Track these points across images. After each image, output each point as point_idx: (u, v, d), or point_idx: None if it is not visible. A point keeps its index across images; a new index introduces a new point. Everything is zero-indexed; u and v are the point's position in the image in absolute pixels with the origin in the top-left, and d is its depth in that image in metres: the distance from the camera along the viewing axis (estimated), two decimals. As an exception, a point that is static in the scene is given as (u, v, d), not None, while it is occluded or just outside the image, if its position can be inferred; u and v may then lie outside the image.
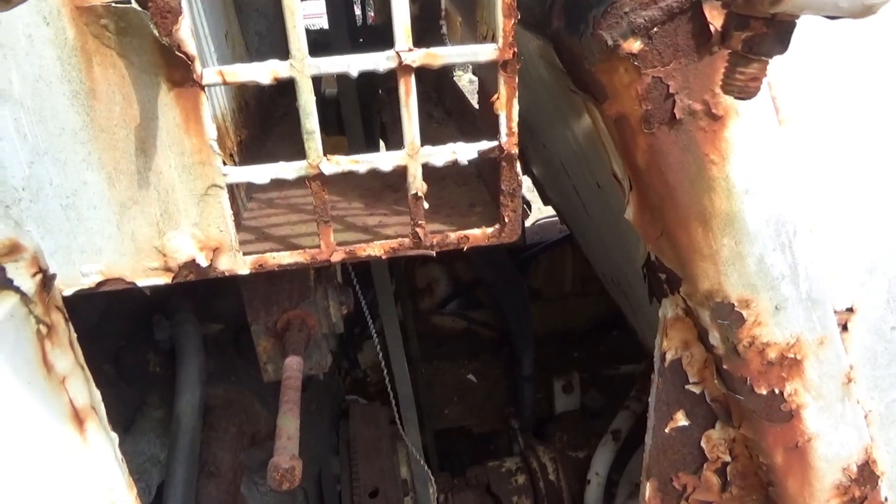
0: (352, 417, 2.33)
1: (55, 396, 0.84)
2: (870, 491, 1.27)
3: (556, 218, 2.91)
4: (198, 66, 0.86)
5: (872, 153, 1.12)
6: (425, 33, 2.47)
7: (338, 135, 2.09)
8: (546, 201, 2.64)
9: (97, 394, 0.91)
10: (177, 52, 0.83)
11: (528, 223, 3.30)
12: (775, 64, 0.88)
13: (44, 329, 0.80)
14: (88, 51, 0.84)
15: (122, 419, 1.84)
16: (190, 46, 0.84)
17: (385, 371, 2.12)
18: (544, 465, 2.51)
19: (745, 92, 0.73)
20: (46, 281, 0.81)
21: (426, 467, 2.23)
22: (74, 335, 0.88)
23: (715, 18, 0.86)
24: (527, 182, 2.60)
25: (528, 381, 2.93)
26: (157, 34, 0.82)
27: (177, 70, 0.86)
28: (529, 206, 3.10)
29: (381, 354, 2.10)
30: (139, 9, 0.81)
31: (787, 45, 0.69)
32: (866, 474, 1.26)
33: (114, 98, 0.87)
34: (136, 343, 1.93)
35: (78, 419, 0.86)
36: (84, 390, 0.87)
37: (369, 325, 2.05)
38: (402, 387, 2.29)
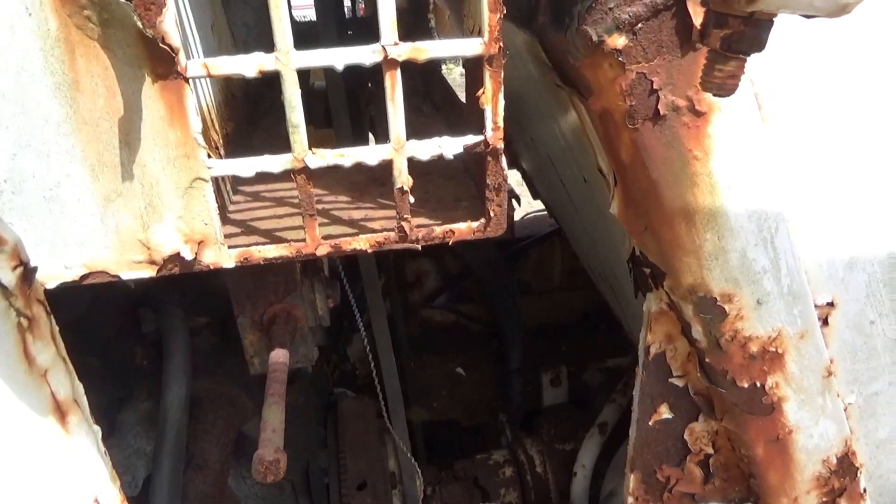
0: (340, 410, 2.33)
1: (36, 389, 0.83)
2: (849, 482, 1.29)
3: (546, 212, 2.91)
4: (182, 58, 0.85)
5: (853, 150, 1.13)
6: (414, 27, 2.46)
7: (326, 128, 2.08)
8: (535, 195, 2.65)
9: (80, 387, 0.91)
10: (161, 45, 0.83)
11: (517, 217, 3.30)
12: (758, 61, 0.89)
13: (25, 322, 0.80)
14: (72, 42, 0.84)
15: (109, 412, 1.83)
16: (174, 38, 0.83)
17: (372, 364, 2.13)
18: (532, 457, 2.52)
19: (724, 89, 0.73)
20: (27, 274, 0.81)
21: (413, 460, 2.24)
22: (56, 328, 0.87)
23: (697, 16, 0.87)
24: (517, 176, 2.61)
25: (517, 374, 2.94)
26: (141, 26, 0.81)
27: (161, 62, 0.85)
28: (519, 200, 3.09)
29: (367, 348, 2.11)
30: (123, 0, 0.81)
31: (765, 44, 0.69)
32: (846, 466, 1.28)
33: (97, 90, 0.86)
34: (123, 336, 1.92)
35: (60, 412, 0.86)
36: (66, 383, 0.86)
37: (356, 318, 2.05)
38: (389, 380, 2.30)
